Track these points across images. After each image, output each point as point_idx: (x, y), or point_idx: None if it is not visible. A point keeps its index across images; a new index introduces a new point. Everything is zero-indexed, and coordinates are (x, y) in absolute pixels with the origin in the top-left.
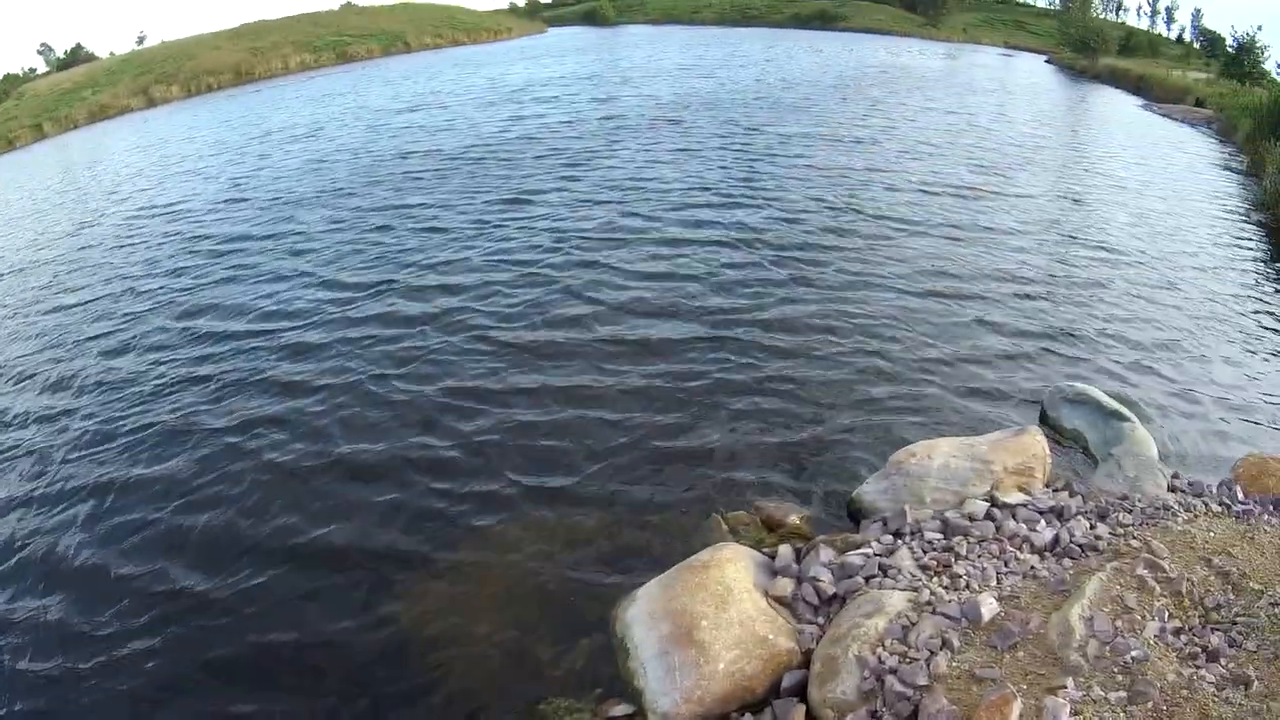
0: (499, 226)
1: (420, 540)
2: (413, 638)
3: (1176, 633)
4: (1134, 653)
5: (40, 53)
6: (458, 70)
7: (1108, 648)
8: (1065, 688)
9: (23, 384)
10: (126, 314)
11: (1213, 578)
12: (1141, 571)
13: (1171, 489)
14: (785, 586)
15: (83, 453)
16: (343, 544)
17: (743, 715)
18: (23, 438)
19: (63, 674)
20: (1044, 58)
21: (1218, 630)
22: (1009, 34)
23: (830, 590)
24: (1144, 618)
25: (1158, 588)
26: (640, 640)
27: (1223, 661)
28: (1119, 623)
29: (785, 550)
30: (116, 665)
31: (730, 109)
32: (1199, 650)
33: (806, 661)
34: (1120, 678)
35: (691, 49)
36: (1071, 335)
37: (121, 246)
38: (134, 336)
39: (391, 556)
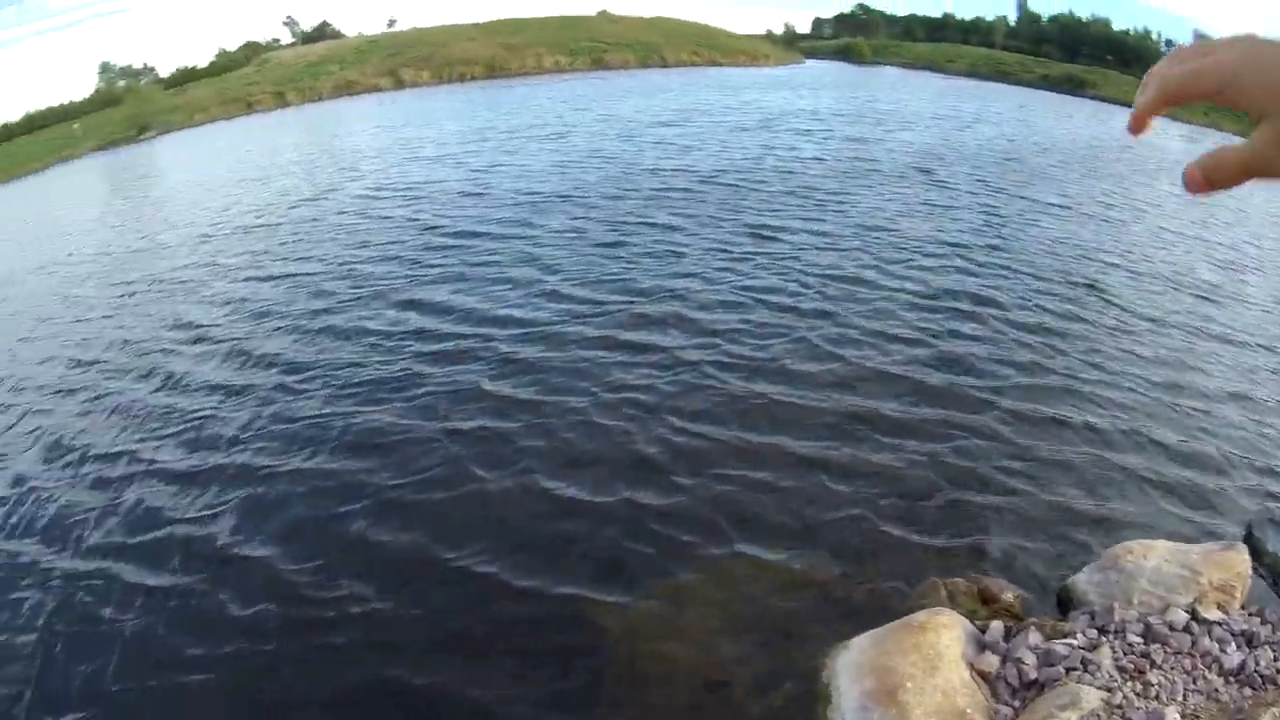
0: (743, 260)
1: (620, 579)
2: (606, 669)
3: None
4: None
5: (285, 24)
6: (713, 91)
7: None
8: None
9: (215, 349)
10: (339, 295)
11: None
12: None
13: None
14: (991, 663)
15: (261, 431)
16: (534, 574)
17: None
18: (203, 405)
19: (198, 658)
20: None
21: None
22: (1245, 127)
23: (1032, 675)
24: None
25: None
26: (844, 690)
27: None
28: None
29: (997, 626)
30: (256, 661)
31: (982, 166)
32: None
33: None
34: None
35: (945, 99)
36: None
37: (348, 224)
38: (343, 318)
39: (585, 594)
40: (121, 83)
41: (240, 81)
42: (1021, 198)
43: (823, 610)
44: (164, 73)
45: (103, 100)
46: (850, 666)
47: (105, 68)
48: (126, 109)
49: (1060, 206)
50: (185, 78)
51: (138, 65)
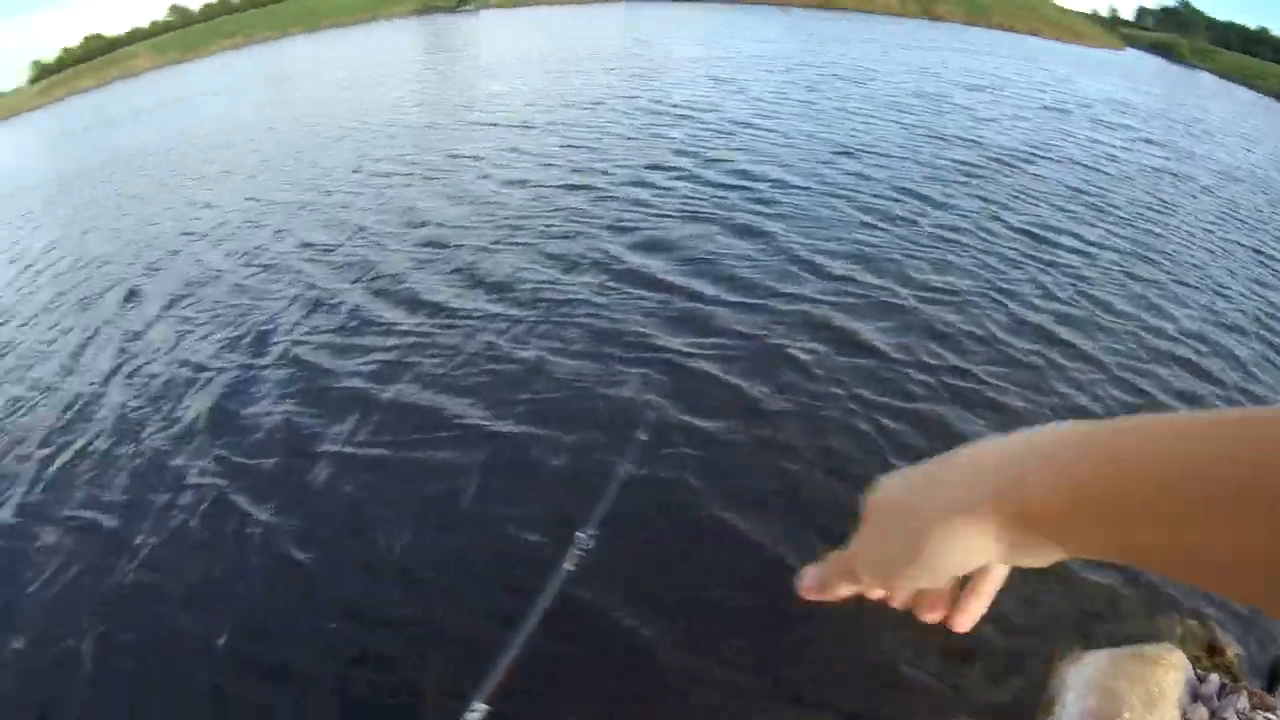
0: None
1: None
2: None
3: None
4: None
5: None
6: (1028, 63)
7: None
8: None
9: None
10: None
11: None
12: None
13: None
14: (1200, 715)
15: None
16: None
17: None
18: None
19: None
20: None
21: None
22: None
23: None
24: None
25: None
26: (1068, 704)
27: None
28: None
29: (1214, 680)
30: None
31: None
32: None
33: None
34: None
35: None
36: None
37: (628, 135)
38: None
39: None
40: None
41: None
42: None
43: (1060, 621)
44: None
45: None
46: (1080, 682)
47: None
48: None
49: None
50: None
51: None
